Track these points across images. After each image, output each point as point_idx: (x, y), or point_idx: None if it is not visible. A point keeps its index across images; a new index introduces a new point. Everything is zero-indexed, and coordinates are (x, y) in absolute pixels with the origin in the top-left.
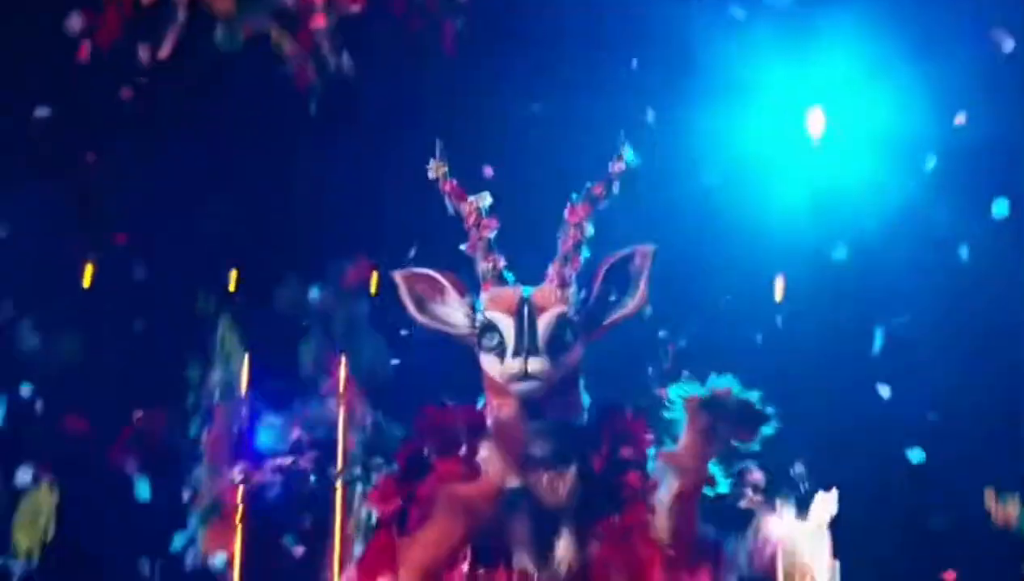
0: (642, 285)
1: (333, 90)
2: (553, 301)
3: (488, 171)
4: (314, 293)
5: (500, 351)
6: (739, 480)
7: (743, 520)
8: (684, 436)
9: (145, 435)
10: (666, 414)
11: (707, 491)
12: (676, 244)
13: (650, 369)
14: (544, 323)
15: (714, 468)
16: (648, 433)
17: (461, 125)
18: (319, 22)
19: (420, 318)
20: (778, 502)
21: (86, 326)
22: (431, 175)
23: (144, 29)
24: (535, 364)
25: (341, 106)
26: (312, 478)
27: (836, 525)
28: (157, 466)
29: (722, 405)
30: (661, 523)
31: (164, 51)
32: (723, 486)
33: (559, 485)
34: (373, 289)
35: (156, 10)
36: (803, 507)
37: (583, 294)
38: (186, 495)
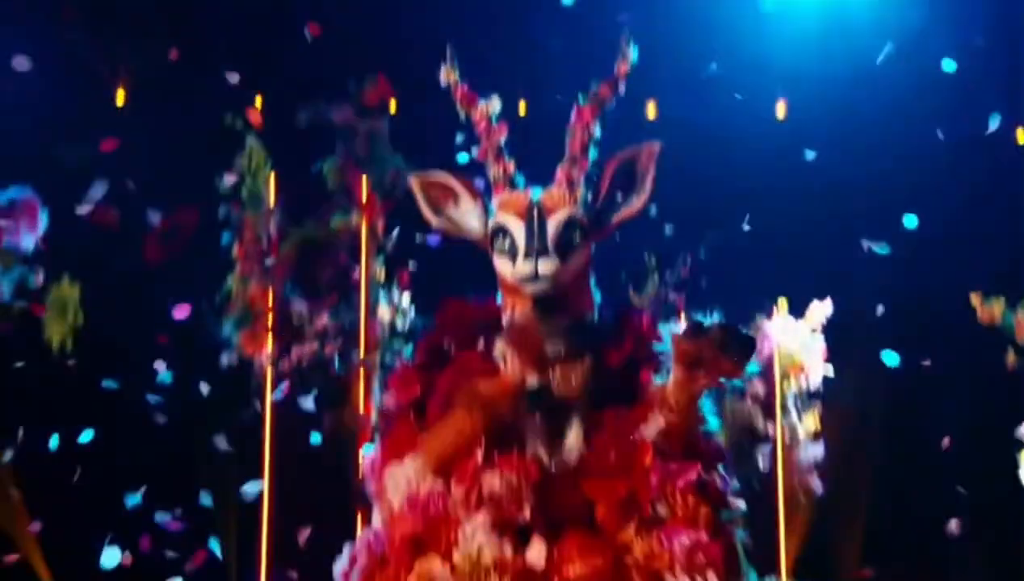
0: (648, 183)
1: None
2: (562, 203)
3: None
4: (336, 112)
5: (512, 253)
6: (742, 394)
7: (742, 321)
8: (672, 372)
9: (178, 231)
10: (658, 347)
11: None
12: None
13: (668, 273)
14: (553, 225)
15: (705, 406)
16: (662, 339)
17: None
18: None
19: (435, 221)
20: (776, 306)
21: (121, 143)
22: (443, 81)
23: None
24: (545, 266)
25: None
26: (336, 364)
27: (831, 332)
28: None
29: (706, 331)
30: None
31: None
32: (713, 423)
33: (572, 376)
34: (392, 108)
35: None
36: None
37: (590, 195)
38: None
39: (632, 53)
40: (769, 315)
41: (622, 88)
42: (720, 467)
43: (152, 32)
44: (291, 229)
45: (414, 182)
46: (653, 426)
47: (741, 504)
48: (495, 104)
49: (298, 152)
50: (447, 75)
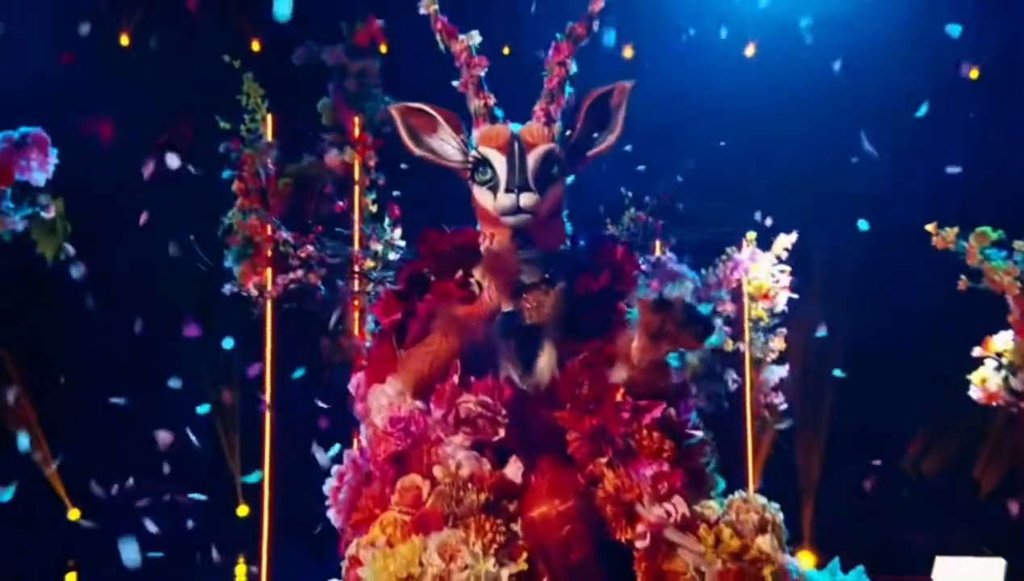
0: (620, 119)
1: None
2: (541, 138)
3: None
4: (328, 52)
5: (493, 186)
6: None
7: (715, 252)
8: (636, 336)
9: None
10: (628, 315)
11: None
12: None
13: (647, 198)
14: (533, 159)
15: (672, 360)
16: (637, 268)
17: None
18: None
19: (416, 150)
20: (746, 238)
21: (123, 81)
22: (422, 11)
23: None
24: (526, 199)
25: None
26: (322, 290)
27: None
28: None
29: (670, 307)
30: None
31: None
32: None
33: (545, 301)
34: (383, 47)
35: None
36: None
37: (567, 131)
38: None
39: None
40: (739, 247)
41: (596, 25)
42: (683, 402)
43: None
44: (288, 165)
45: (394, 111)
46: (618, 375)
47: (700, 433)
48: (475, 37)
49: (294, 92)
50: (427, 6)
